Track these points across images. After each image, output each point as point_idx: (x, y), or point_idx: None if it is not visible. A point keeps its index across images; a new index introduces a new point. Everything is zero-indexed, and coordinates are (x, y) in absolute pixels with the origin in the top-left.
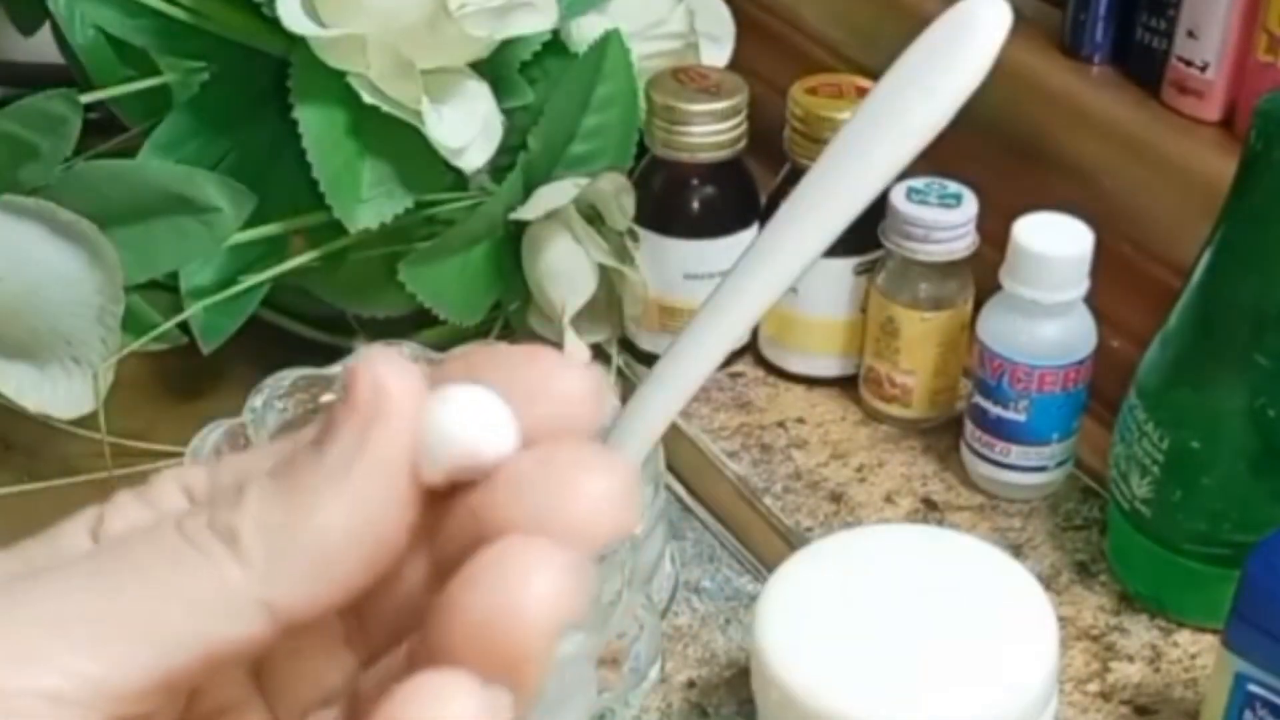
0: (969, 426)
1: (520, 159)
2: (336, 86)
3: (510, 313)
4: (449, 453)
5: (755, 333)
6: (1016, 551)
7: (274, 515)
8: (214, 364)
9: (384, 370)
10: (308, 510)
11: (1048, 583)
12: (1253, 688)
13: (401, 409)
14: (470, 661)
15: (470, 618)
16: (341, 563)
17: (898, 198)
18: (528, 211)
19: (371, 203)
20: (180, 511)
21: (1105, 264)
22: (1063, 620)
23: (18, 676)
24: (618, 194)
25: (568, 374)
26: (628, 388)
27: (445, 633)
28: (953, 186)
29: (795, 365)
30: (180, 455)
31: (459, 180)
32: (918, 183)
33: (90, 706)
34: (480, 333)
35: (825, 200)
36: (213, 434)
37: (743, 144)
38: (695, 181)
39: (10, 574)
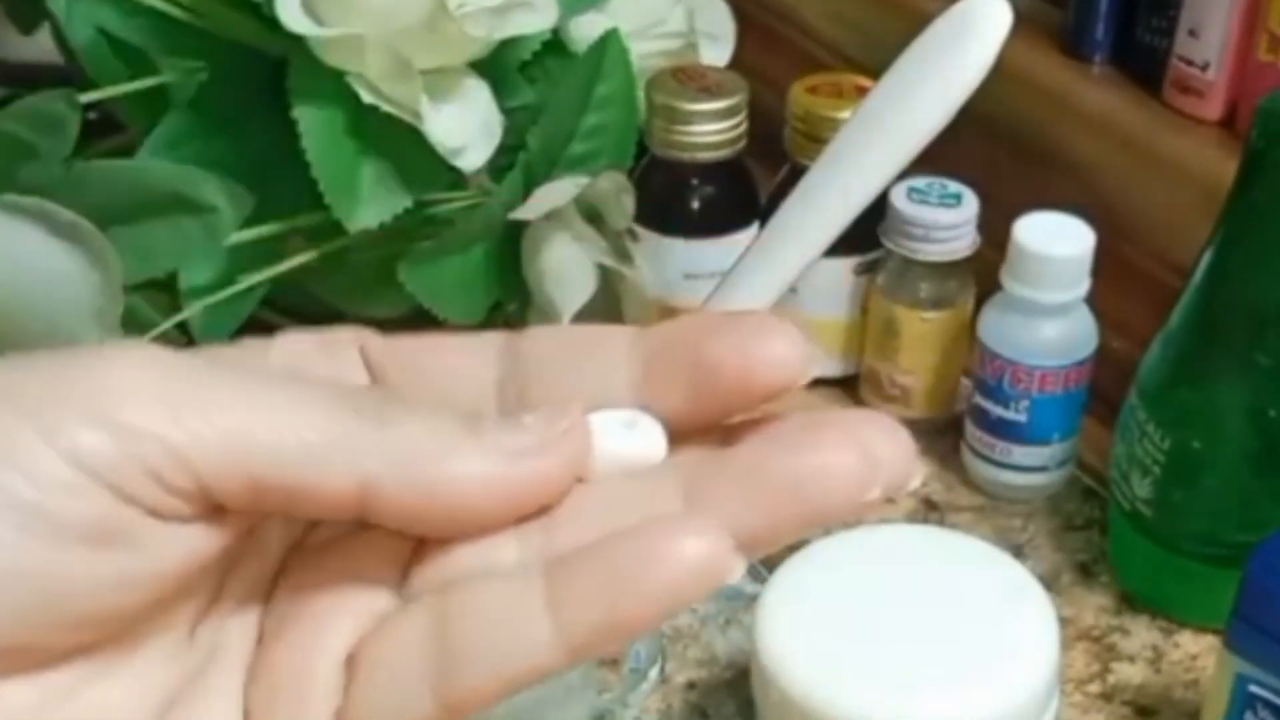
0: (969, 427)
1: (520, 159)
2: (335, 86)
3: (510, 313)
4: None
5: None
6: (1017, 552)
7: (429, 437)
8: None
9: (577, 427)
10: (456, 457)
11: (1048, 583)
12: (1254, 688)
13: (573, 464)
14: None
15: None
16: (444, 508)
17: (898, 198)
18: (528, 211)
19: (371, 203)
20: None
21: (1105, 264)
22: (1063, 621)
23: (150, 422)
24: (618, 194)
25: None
26: None
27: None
28: (953, 186)
29: None
30: None
31: (459, 180)
32: (918, 183)
33: (190, 468)
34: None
35: (825, 200)
36: None
37: (743, 144)
38: (695, 181)
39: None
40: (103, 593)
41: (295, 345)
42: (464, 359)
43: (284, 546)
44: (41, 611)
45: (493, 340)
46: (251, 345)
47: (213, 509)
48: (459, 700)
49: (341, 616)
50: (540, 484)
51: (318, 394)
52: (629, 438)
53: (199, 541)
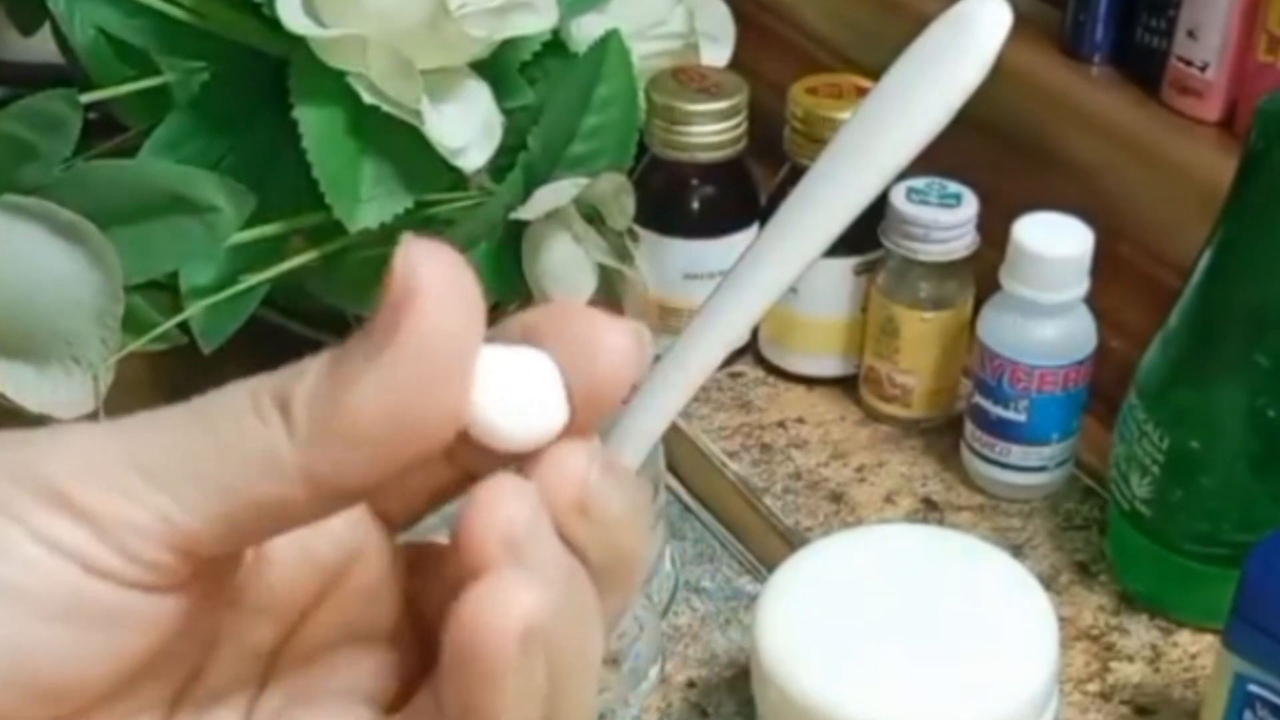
0: (969, 426)
1: (520, 159)
2: (336, 86)
3: (510, 313)
4: (500, 425)
5: (755, 333)
6: (1016, 551)
7: (320, 389)
8: (214, 364)
9: (416, 258)
10: (345, 387)
11: (1048, 583)
12: (1253, 688)
13: (433, 295)
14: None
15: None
16: (373, 440)
17: (898, 198)
18: (528, 211)
19: (371, 203)
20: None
21: (1105, 264)
22: (1063, 620)
23: (110, 504)
24: (618, 194)
25: (615, 329)
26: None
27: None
28: (953, 186)
29: (795, 365)
30: None
31: (459, 180)
32: (918, 183)
33: (162, 542)
34: None
35: (825, 200)
36: None
37: (743, 144)
38: (695, 181)
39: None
40: (75, 665)
41: None
42: None
43: (268, 647)
44: (11, 683)
45: None
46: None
47: (181, 575)
48: None
49: None
50: (429, 338)
51: (225, 417)
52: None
53: (168, 609)
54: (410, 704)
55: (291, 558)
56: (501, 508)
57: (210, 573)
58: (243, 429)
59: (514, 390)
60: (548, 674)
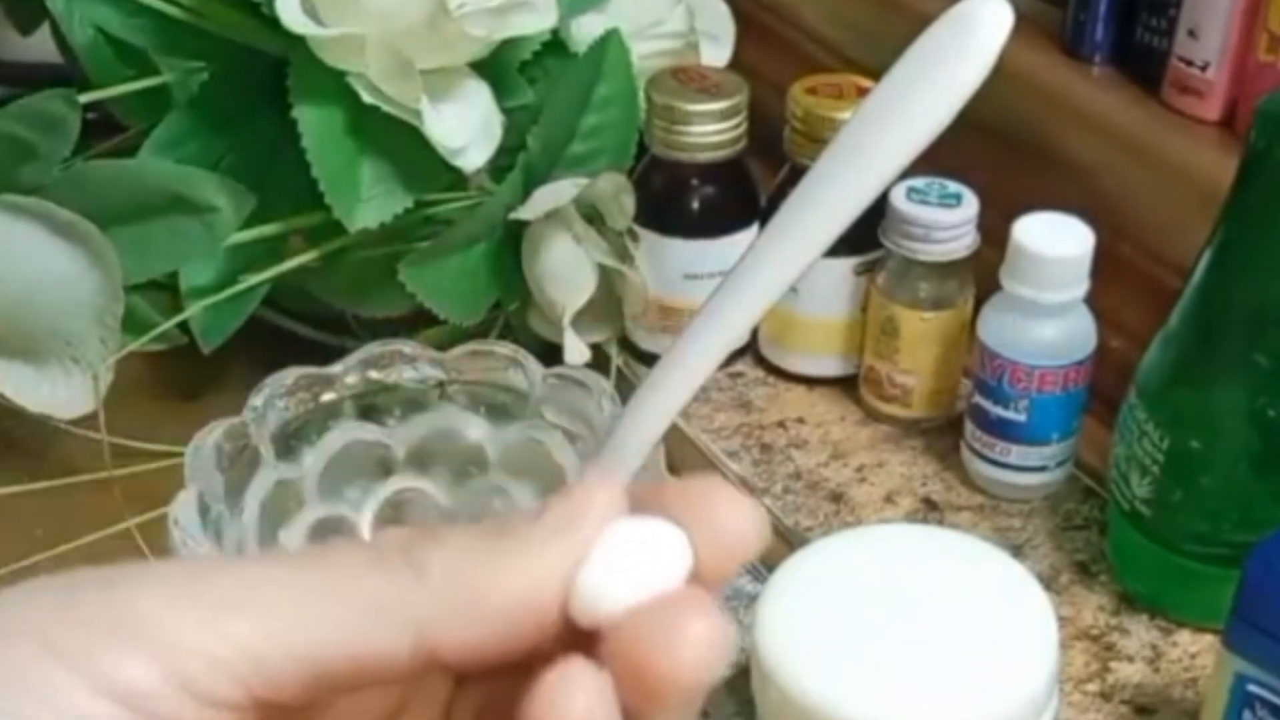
0: (969, 426)
1: (520, 159)
2: (336, 86)
3: (510, 313)
4: (620, 592)
5: (755, 333)
6: (1016, 551)
7: (464, 559)
8: (214, 364)
9: (599, 488)
10: (494, 565)
11: (1048, 583)
12: (1252, 688)
13: (601, 519)
14: None
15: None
16: (501, 623)
17: (898, 198)
18: (528, 211)
19: (371, 203)
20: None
21: (1105, 264)
22: (1063, 620)
23: (191, 635)
24: (618, 194)
25: (739, 508)
26: (628, 388)
27: None
28: (953, 186)
29: (795, 365)
30: (180, 455)
31: (459, 180)
32: (918, 183)
33: (239, 678)
34: (480, 332)
35: (825, 200)
36: (213, 434)
37: (743, 144)
38: (695, 181)
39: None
40: None
41: None
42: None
43: None
44: None
45: None
46: None
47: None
48: None
49: None
50: (578, 555)
51: (343, 562)
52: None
53: None
54: None
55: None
56: (575, 699)
57: None
58: (365, 574)
59: (632, 562)
60: None
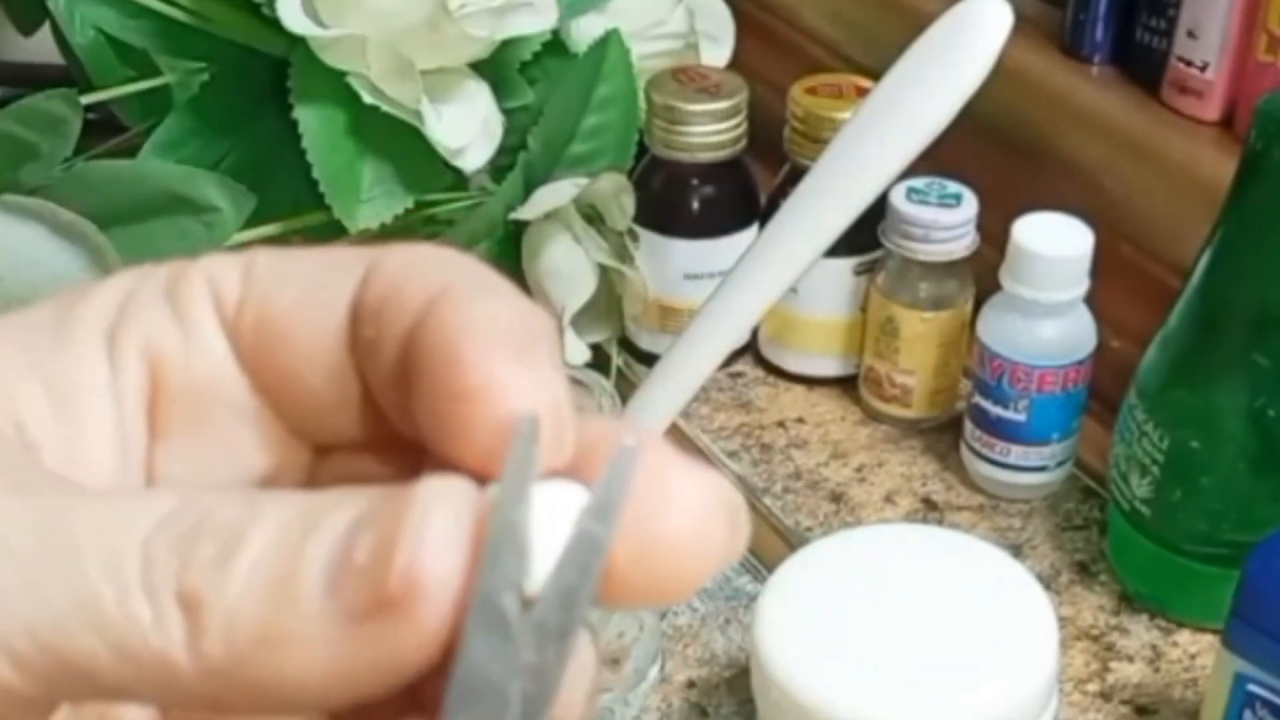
0: (969, 426)
1: (520, 159)
2: (336, 86)
3: None
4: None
5: (755, 333)
6: (1016, 551)
7: (249, 623)
8: None
9: (428, 553)
10: (282, 648)
11: (1048, 583)
12: (1252, 688)
13: (435, 615)
14: None
15: None
16: (293, 711)
17: (898, 198)
18: (528, 211)
19: (371, 203)
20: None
21: (1105, 264)
22: (1063, 620)
23: None
24: (618, 194)
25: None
26: (628, 388)
27: None
28: (953, 186)
29: (795, 365)
30: None
31: (459, 180)
32: (918, 183)
33: None
34: None
35: (825, 200)
36: None
37: (743, 144)
38: (695, 181)
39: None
40: None
41: (133, 300)
42: (319, 294)
43: None
44: None
45: (355, 265)
46: (64, 304)
47: None
48: None
49: None
50: (404, 652)
51: (95, 550)
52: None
53: None
54: None
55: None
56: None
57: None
58: (124, 611)
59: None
60: None
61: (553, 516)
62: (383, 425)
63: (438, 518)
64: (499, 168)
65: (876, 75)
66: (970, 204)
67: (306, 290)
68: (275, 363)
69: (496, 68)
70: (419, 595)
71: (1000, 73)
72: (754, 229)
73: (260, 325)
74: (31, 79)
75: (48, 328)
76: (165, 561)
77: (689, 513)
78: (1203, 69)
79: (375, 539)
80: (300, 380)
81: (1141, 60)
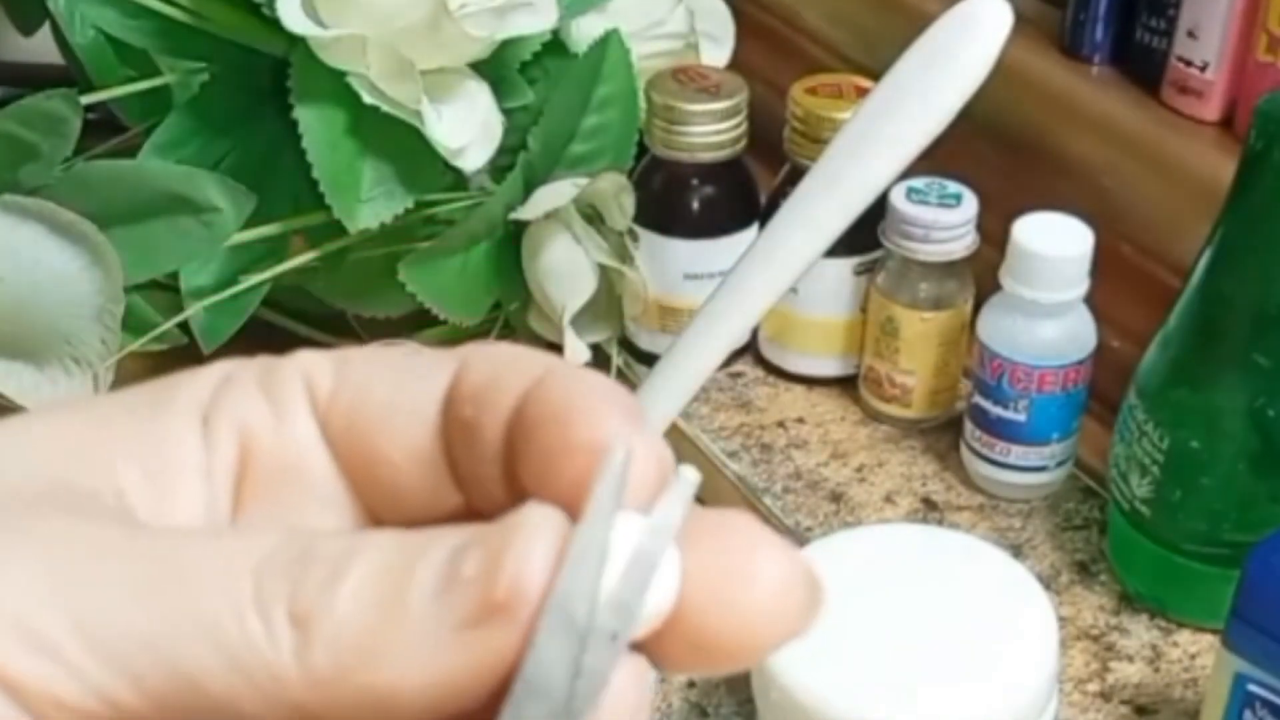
0: (969, 426)
1: (520, 159)
2: (336, 86)
3: (510, 312)
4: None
5: (755, 333)
6: (1016, 551)
7: (356, 634)
8: None
9: (533, 565)
10: (390, 655)
11: (1048, 583)
12: (1253, 688)
13: (530, 613)
14: None
15: None
16: (414, 714)
17: (898, 198)
18: (528, 211)
19: (371, 203)
20: (266, 544)
21: (1105, 264)
22: (1063, 620)
23: (34, 670)
24: (618, 194)
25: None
26: (628, 388)
27: None
28: (953, 186)
29: (795, 365)
30: None
31: (459, 180)
32: (918, 183)
33: (68, 703)
34: (480, 332)
35: (825, 200)
36: None
37: (743, 144)
38: (695, 181)
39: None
40: None
41: (229, 383)
42: (412, 385)
43: None
44: None
45: (445, 362)
46: (165, 385)
47: None
48: None
49: None
50: (505, 653)
51: (207, 575)
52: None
53: None
54: None
55: None
56: None
57: None
58: (238, 626)
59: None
60: None
61: (626, 540)
62: (451, 509)
63: (542, 535)
64: (499, 168)
65: (876, 75)
66: (970, 204)
67: (401, 379)
68: (366, 446)
69: (496, 68)
70: (524, 601)
71: (1000, 73)
72: (754, 229)
73: (353, 411)
74: (31, 79)
75: (147, 407)
76: (276, 583)
77: (770, 585)
78: (1203, 69)
79: (483, 553)
80: (388, 464)
81: (1141, 60)
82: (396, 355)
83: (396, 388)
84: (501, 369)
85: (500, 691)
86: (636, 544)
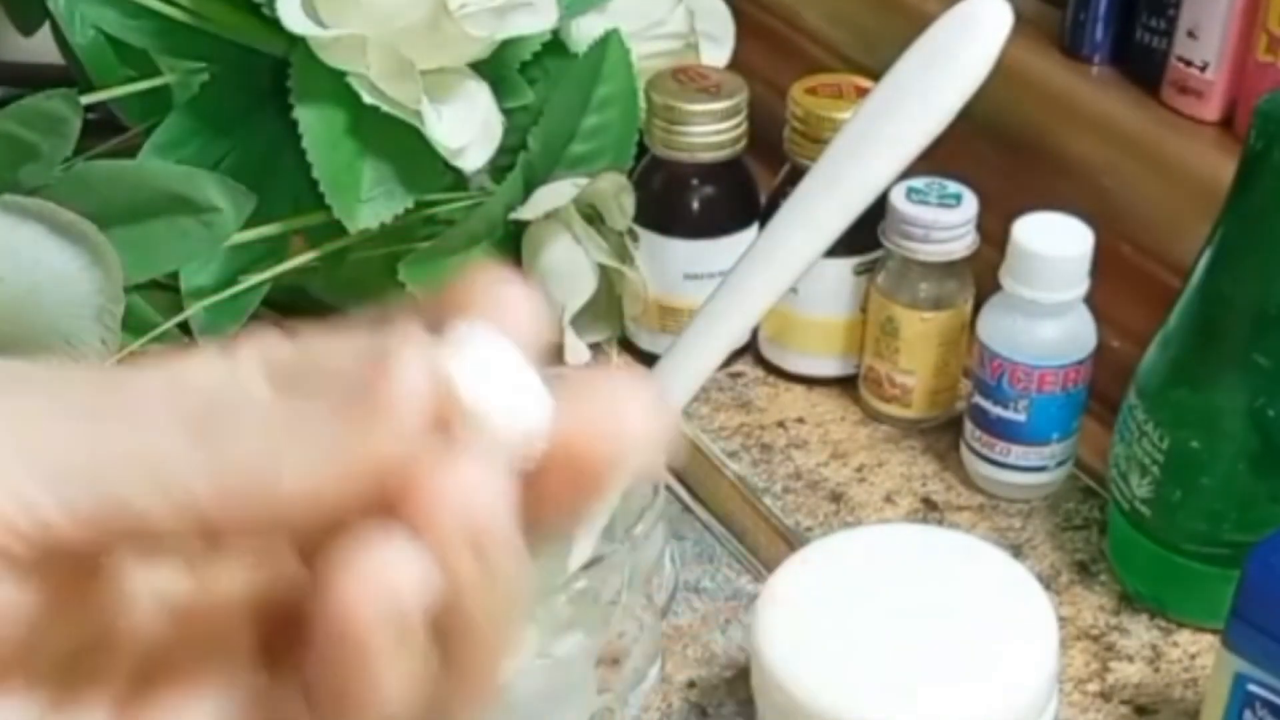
0: (969, 426)
1: (520, 159)
2: (336, 86)
3: None
4: (495, 417)
5: (755, 333)
6: (1016, 551)
7: (256, 448)
8: None
9: (408, 378)
10: (285, 463)
11: (1048, 583)
12: (1252, 688)
13: (405, 422)
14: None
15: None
16: (289, 519)
17: (898, 198)
18: (528, 211)
19: (371, 203)
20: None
21: (1105, 264)
22: (1063, 620)
23: None
24: (618, 194)
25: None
26: None
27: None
28: (953, 186)
29: (795, 365)
30: None
31: (459, 180)
32: (918, 183)
33: (15, 532)
34: None
35: (825, 200)
36: None
37: (743, 144)
38: (695, 181)
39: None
40: None
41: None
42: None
43: (133, 654)
44: None
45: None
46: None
47: (24, 567)
48: None
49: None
50: (379, 456)
51: (138, 412)
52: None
53: (11, 595)
54: (272, 687)
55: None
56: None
57: (70, 568)
58: (160, 450)
59: (508, 384)
60: (438, 655)
61: (491, 353)
62: None
63: (416, 356)
64: (499, 168)
65: (876, 75)
66: (970, 204)
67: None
68: None
69: (496, 68)
70: (402, 412)
71: (1000, 73)
72: (754, 229)
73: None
74: (31, 79)
75: None
76: (191, 415)
77: (633, 414)
78: (1203, 69)
79: (364, 375)
80: None
81: (1141, 60)
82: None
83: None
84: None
85: (381, 495)
86: (503, 357)
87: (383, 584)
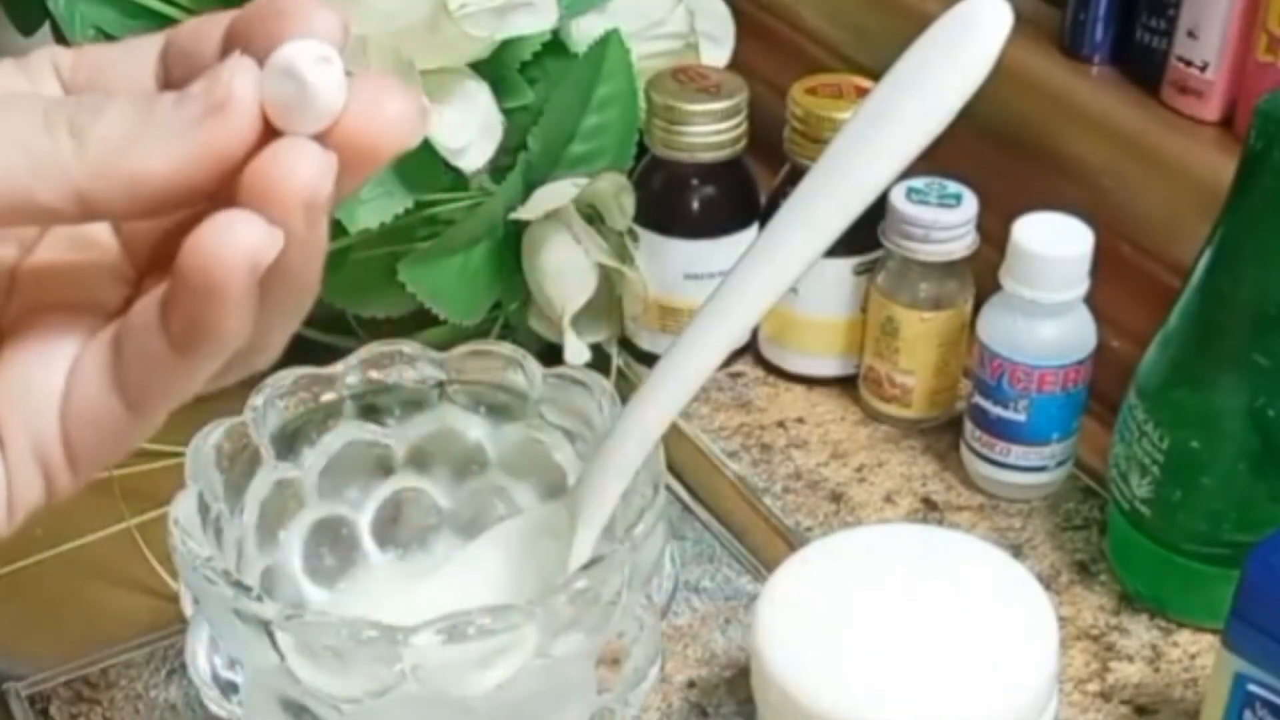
0: (969, 426)
1: (520, 159)
2: None
3: (510, 312)
4: (300, 109)
5: (755, 333)
6: (1016, 551)
7: (117, 138)
8: None
9: (240, 77)
10: (142, 149)
11: (1048, 583)
12: (1252, 688)
13: (245, 113)
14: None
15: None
16: (152, 197)
17: (898, 198)
18: (528, 211)
19: (371, 203)
20: (51, 95)
21: (1105, 264)
22: (1063, 620)
23: None
24: (618, 194)
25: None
26: (628, 388)
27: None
28: (953, 186)
29: (795, 365)
30: (181, 455)
31: (459, 180)
32: (918, 183)
33: None
34: (480, 332)
35: (825, 200)
36: (213, 434)
37: (743, 144)
38: (695, 181)
39: None
40: None
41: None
42: (134, 46)
43: (10, 264)
44: None
45: (157, 33)
46: None
47: None
48: None
49: (66, 340)
50: (226, 142)
51: (13, 117)
52: (316, 73)
53: None
54: (130, 314)
55: None
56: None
57: None
58: (33, 137)
59: (332, 70)
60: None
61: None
62: None
63: (247, 62)
64: (499, 168)
65: (876, 75)
66: (970, 204)
67: (125, 45)
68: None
69: (496, 68)
70: (238, 100)
71: (1000, 73)
72: (754, 229)
73: (91, 70)
74: None
75: None
76: (60, 112)
77: (397, 108)
78: (1203, 69)
79: (207, 77)
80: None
81: (1141, 60)
82: (118, 42)
83: (122, 50)
84: (205, 19)
85: (226, 179)
86: (322, 50)
87: (243, 238)
